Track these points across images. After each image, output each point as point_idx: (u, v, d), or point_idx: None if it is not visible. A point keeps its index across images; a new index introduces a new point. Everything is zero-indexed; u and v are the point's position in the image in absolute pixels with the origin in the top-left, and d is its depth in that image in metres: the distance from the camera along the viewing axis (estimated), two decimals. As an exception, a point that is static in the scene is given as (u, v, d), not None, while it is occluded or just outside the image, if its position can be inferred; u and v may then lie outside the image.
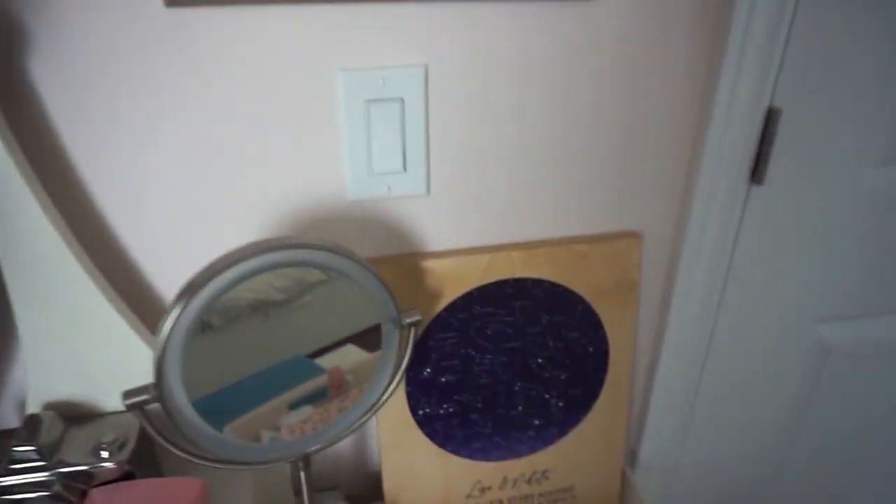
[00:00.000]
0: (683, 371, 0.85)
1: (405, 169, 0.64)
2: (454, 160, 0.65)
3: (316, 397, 0.62)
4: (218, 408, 0.56)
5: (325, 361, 0.59)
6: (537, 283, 0.71)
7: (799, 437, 0.98)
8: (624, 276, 0.73)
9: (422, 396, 0.73)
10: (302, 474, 0.66)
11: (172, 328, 0.51)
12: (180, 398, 0.54)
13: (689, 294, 0.78)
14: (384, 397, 0.66)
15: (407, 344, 0.65)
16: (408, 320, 0.63)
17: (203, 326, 0.52)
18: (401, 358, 0.65)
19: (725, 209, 0.73)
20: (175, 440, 0.56)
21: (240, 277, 0.52)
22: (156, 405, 0.52)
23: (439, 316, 0.70)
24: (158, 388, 0.53)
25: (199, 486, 0.61)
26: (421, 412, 0.74)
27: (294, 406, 0.62)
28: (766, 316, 0.84)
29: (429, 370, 0.72)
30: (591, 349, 0.76)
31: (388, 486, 0.77)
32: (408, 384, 0.72)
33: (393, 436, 0.75)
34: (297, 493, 0.70)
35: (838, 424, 0.97)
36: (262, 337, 0.55)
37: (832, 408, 0.95)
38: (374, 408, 0.65)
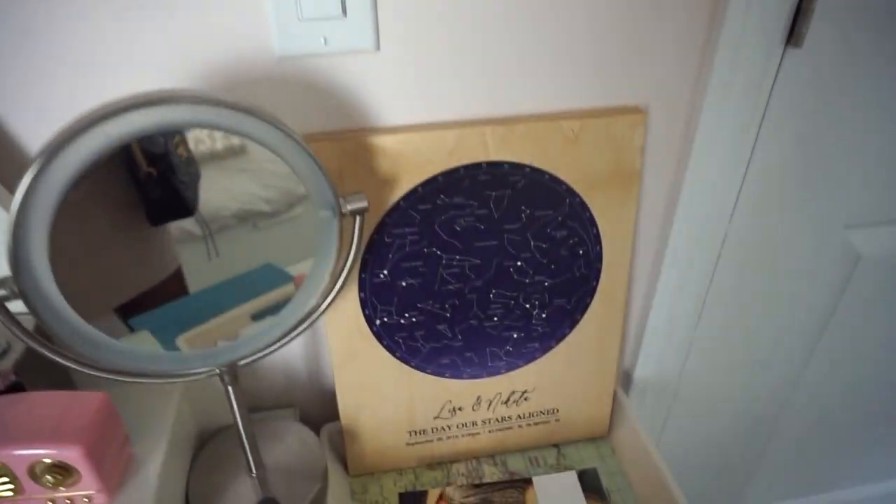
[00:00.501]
0: (690, 279, 0.73)
1: (345, 13, 0.50)
2: (412, 6, 0.51)
3: (281, 308, 0.52)
4: (170, 319, 0.46)
5: (295, 268, 0.51)
6: (516, 168, 0.58)
7: (815, 359, 0.87)
8: (623, 162, 0.60)
9: (379, 303, 0.62)
10: (230, 389, 0.56)
11: (23, 202, 0.39)
12: (49, 293, 0.42)
13: (703, 186, 0.65)
14: (325, 303, 0.54)
15: (353, 238, 0.53)
16: (350, 207, 0.51)
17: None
18: (344, 255, 0.53)
19: (753, 78, 0.58)
20: (62, 346, 0.45)
21: (113, 140, 0.40)
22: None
23: (396, 207, 0.58)
24: (17, 280, 0.41)
25: (100, 399, 0.51)
26: (378, 322, 0.63)
27: (258, 317, 0.51)
28: (791, 216, 0.72)
29: (385, 273, 0.61)
30: (580, 252, 0.64)
31: (344, 404, 0.68)
32: (361, 289, 0.61)
33: (346, 348, 0.64)
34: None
35: (859, 341, 0.86)
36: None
37: (855, 321, 0.83)
38: (312, 315, 0.54)
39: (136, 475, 0.54)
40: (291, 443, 0.66)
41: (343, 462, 0.72)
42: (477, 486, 0.70)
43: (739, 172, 0.65)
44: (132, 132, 0.41)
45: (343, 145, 0.55)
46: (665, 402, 0.85)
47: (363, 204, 0.51)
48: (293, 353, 0.71)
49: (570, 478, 0.70)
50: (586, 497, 0.68)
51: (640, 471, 0.71)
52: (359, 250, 0.54)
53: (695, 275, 0.72)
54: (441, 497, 0.69)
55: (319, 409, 0.75)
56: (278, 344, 0.55)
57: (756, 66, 0.58)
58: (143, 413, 0.59)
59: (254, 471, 0.63)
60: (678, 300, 0.74)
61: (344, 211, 0.51)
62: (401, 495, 0.69)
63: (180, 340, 0.51)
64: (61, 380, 0.58)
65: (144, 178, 0.43)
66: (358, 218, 0.53)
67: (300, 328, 0.55)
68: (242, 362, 0.55)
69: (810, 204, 0.70)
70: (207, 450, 0.66)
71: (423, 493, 0.69)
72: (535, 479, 0.70)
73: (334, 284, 0.55)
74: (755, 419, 0.93)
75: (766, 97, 0.61)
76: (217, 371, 0.54)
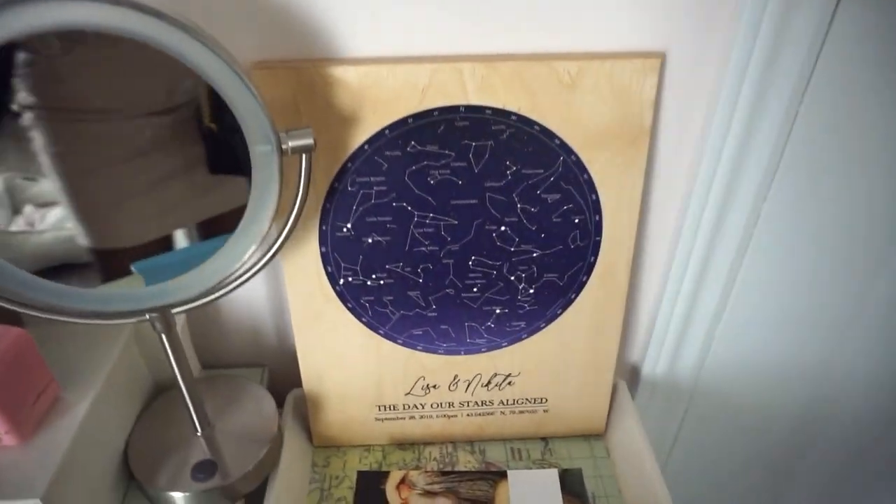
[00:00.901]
0: (713, 265, 0.63)
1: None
2: None
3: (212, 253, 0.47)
4: None
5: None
6: (500, 115, 0.50)
7: (861, 364, 0.75)
8: (630, 117, 0.51)
9: (342, 261, 0.56)
10: (164, 339, 0.51)
11: None
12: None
13: (730, 155, 0.55)
14: (266, 255, 0.48)
15: (300, 180, 0.47)
16: (293, 143, 0.44)
17: None
18: (291, 201, 0.47)
19: (801, 22, 0.48)
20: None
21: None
22: None
23: (361, 151, 0.51)
24: None
25: (15, 335, 0.47)
26: (342, 281, 0.57)
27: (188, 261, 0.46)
28: (840, 195, 0.60)
29: (349, 226, 0.54)
30: (576, 220, 0.55)
31: (307, 369, 0.62)
32: (322, 243, 0.55)
33: (308, 308, 0.58)
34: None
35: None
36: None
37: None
38: (248, 266, 0.48)
39: (59, 420, 0.50)
40: (247, 404, 0.62)
41: (309, 432, 0.67)
42: (445, 473, 0.63)
43: (778, 139, 0.54)
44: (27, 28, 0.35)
45: (299, 75, 0.48)
46: (678, 408, 0.76)
47: (308, 141, 0.45)
48: (260, 309, 0.66)
49: (550, 476, 0.62)
50: (565, 499, 0.60)
51: (635, 477, 0.62)
52: (305, 195, 0.47)
53: (719, 259, 0.62)
54: (403, 481, 0.62)
55: (289, 373, 0.69)
56: (215, 294, 0.50)
57: (806, 5, 0.47)
58: (84, 359, 0.55)
59: (198, 430, 0.58)
60: (697, 288, 0.65)
61: (285, 147, 0.44)
62: (359, 473, 0.63)
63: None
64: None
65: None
66: (304, 158, 0.46)
67: (240, 279, 0.49)
68: (175, 311, 0.50)
69: (860, 181, 0.59)
70: (158, 404, 0.61)
71: (384, 474, 0.63)
72: (509, 474, 0.63)
73: (280, 234, 0.49)
74: (785, 438, 0.81)
75: (818, 46, 0.50)
76: (146, 317, 0.49)
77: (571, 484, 0.62)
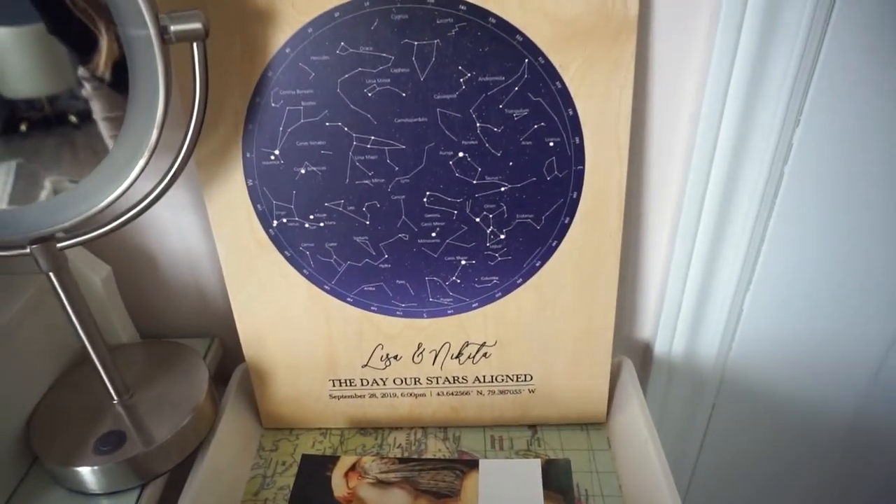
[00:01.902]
0: (736, 212, 0.51)
1: None
2: None
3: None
4: None
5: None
6: (447, 4, 0.41)
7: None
8: (609, 1, 0.41)
9: (273, 197, 0.47)
10: (54, 281, 0.43)
11: None
12: None
13: (748, 59, 0.43)
14: (166, 177, 0.40)
15: (194, 77, 0.39)
16: (177, 27, 0.36)
17: None
18: (184, 94, 0.38)
19: None
20: None
21: None
22: None
23: (282, 55, 0.43)
24: None
25: None
26: (276, 223, 0.48)
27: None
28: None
29: (277, 153, 0.46)
30: (550, 143, 0.45)
31: (246, 336, 0.53)
32: (248, 175, 0.46)
33: (239, 257, 0.50)
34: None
35: None
36: None
37: None
38: (146, 191, 0.40)
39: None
40: (177, 372, 0.53)
41: (258, 412, 0.58)
42: (404, 460, 0.53)
43: (812, 32, 0.43)
44: None
45: (201, -42, 0.40)
46: (704, 398, 0.63)
47: (195, 25, 0.36)
48: (203, 270, 0.58)
49: (531, 468, 0.51)
50: (547, 496, 0.49)
51: (639, 473, 0.50)
52: (204, 97, 0.39)
53: (742, 201, 0.51)
54: (353, 467, 0.52)
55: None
56: (106, 227, 0.42)
57: None
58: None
59: (114, 397, 0.50)
60: (716, 241, 0.53)
61: (166, 32, 0.36)
62: (304, 457, 0.53)
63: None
64: None
65: None
66: (196, 48, 0.38)
67: (138, 207, 0.41)
68: (61, 244, 0.42)
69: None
70: (78, 372, 0.54)
71: (333, 459, 0.53)
72: (481, 463, 0.52)
73: (180, 149, 0.40)
74: (842, 439, 0.67)
75: None
76: (27, 249, 0.42)
77: (556, 477, 0.50)
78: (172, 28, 0.36)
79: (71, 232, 0.42)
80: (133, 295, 0.58)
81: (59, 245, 0.42)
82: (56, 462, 0.46)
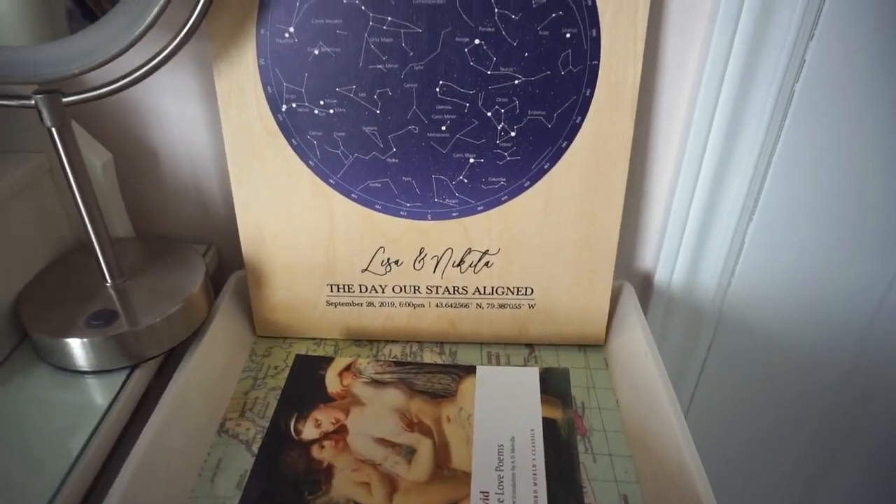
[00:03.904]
0: (744, 128, 0.51)
1: None
2: None
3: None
4: None
5: None
6: None
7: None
8: None
9: (284, 79, 0.47)
10: (55, 137, 0.42)
11: None
12: None
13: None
14: (180, 33, 0.39)
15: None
16: None
17: None
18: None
19: None
20: None
21: None
22: None
23: (304, -76, 0.42)
24: None
25: None
26: (285, 107, 0.48)
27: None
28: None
29: (291, 30, 0.45)
30: (567, 35, 0.45)
31: (245, 230, 0.52)
32: (260, 53, 0.46)
33: (244, 145, 0.49)
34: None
35: None
36: None
37: None
38: (156, 49, 0.39)
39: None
40: (173, 262, 0.52)
41: (252, 321, 0.57)
42: (399, 363, 0.52)
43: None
44: None
45: None
46: (703, 332, 0.63)
47: None
48: (205, 172, 0.57)
49: (529, 374, 0.50)
50: (545, 400, 0.48)
51: (636, 390, 0.50)
52: (223, -53, 0.39)
53: (751, 122, 0.51)
54: (348, 368, 0.51)
55: (239, 255, 0.60)
56: (114, 83, 0.41)
57: None
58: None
59: (107, 278, 0.49)
60: (721, 169, 0.53)
61: None
62: (298, 356, 0.52)
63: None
64: None
65: None
66: None
67: (149, 65, 0.41)
68: (68, 99, 0.41)
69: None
70: (72, 256, 0.53)
71: (327, 360, 0.52)
72: (479, 369, 0.51)
73: (187, 26, 0.40)
74: (840, 385, 0.67)
75: None
76: (31, 100, 0.41)
77: (555, 383, 0.50)
78: None
79: (77, 88, 0.41)
80: (131, 191, 0.57)
81: (64, 99, 0.41)
82: (46, 333, 0.45)
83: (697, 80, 0.50)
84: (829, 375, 0.65)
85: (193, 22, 0.41)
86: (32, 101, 0.41)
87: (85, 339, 0.44)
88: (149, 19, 0.39)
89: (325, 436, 0.45)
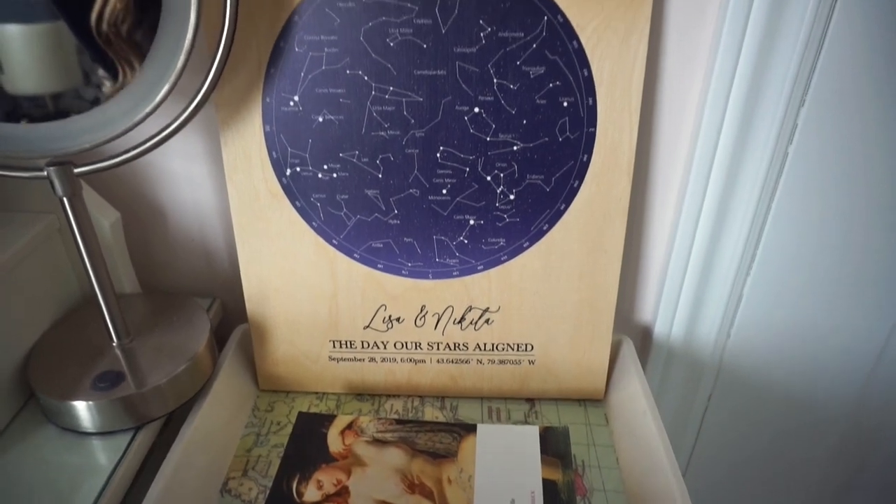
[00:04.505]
0: (739, 187, 0.52)
1: None
2: None
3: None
4: None
5: None
6: (472, -42, 0.42)
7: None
8: (629, -35, 0.42)
9: (289, 145, 0.48)
10: (67, 207, 0.43)
11: None
12: None
13: (760, 26, 0.45)
14: (191, 104, 0.41)
15: (225, 10, 0.40)
16: (215, -46, 0.37)
17: None
18: (210, 37, 0.39)
19: None
20: None
21: None
22: None
23: (309, 2, 0.44)
24: None
25: None
26: (290, 171, 0.49)
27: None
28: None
29: (296, 99, 0.46)
30: (564, 103, 0.46)
31: (250, 288, 0.53)
32: (266, 120, 0.47)
33: (249, 204, 0.50)
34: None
35: None
36: None
37: None
38: (170, 121, 0.40)
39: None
40: (178, 320, 0.53)
41: (255, 374, 0.57)
42: (401, 422, 0.52)
43: (822, 5, 0.44)
44: None
45: None
46: (702, 384, 0.63)
47: (233, -47, 0.38)
48: (213, 226, 0.58)
49: (529, 434, 0.51)
50: (545, 460, 0.48)
51: (637, 447, 0.50)
52: (232, 24, 0.40)
53: (746, 181, 0.52)
54: (350, 426, 0.52)
55: (243, 308, 0.61)
56: (126, 154, 0.42)
57: None
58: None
59: (114, 339, 0.50)
60: (718, 225, 0.54)
61: (204, -44, 0.37)
62: (300, 414, 0.53)
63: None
64: None
65: None
66: (229, -22, 0.39)
67: (160, 135, 0.42)
68: (79, 170, 0.43)
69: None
70: (78, 313, 0.54)
71: (329, 418, 0.52)
72: (479, 427, 0.52)
73: (206, 77, 0.41)
74: (846, 433, 0.67)
75: None
76: (44, 171, 0.42)
77: (555, 443, 0.50)
78: (208, -46, 0.37)
79: (88, 159, 0.42)
80: (138, 247, 0.58)
81: (76, 170, 0.42)
82: (53, 395, 0.46)
83: (693, 142, 0.51)
84: (831, 426, 0.65)
85: (203, 94, 0.42)
86: (45, 173, 0.42)
87: (91, 402, 0.45)
88: (162, 93, 0.40)
89: (328, 498, 0.45)
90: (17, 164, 0.42)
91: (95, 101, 0.40)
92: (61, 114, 0.40)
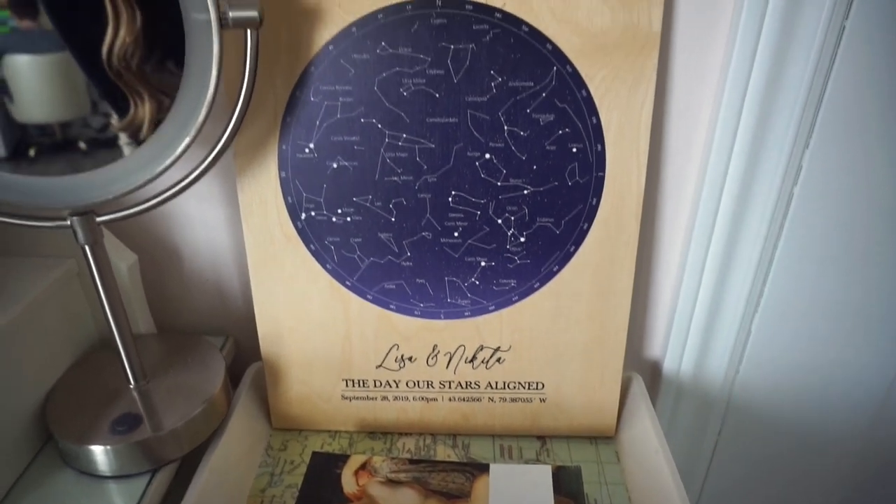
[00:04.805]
0: (745, 228, 0.53)
1: None
2: None
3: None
4: None
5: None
6: (484, 12, 0.44)
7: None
8: (636, 17, 0.44)
9: (304, 190, 0.49)
10: (88, 255, 0.44)
11: None
12: None
13: (763, 75, 0.46)
14: (210, 154, 0.42)
15: (245, 60, 0.41)
16: (236, 14, 0.39)
17: None
18: (228, 86, 0.40)
19: None
20: None
21: None
22: None
23: (325, 53, 0.45)
24: None
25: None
26: (304, 216, 0.50)
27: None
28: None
29: (312, 146, 0.48)
30: (573, 149, 0.47)
31: (265, 329, 0.54)
32: (281, 166, 0.48)
33: (264, 247, 0.51)
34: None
35: None
36: None
37: None
38: (190, 170, 0.41)
39: (-39, 341, 0.43)
40: (193, 362, 0.54)
41: (268, 413, 0.58)
42: (414, 461, 0.53)
43: (824, 48, 0.46)
44: None
45: (258, -41, 0.43)
46: (712, 420, 0.63)
47: (252, 13, 0.39)
48: (226, 266, 0.59)
49: (541, 474, 0.51)
50: (557, 501, 0.49)
51: (649, 485, 0.50)
52: (252, 80, 0.41)
53: (753, 222, 0.53)
54: (364, 466, 0.52)
55: (256, 346, 0.62)
56: (147, 203, 0.43)
57: None
58: (11, 290, 0.49)
59: (131, 381, 0.50)
60: (725, 262, 0.54)
61: (224, 16, 0.39)
62: (314, 454, 0.53)
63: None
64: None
65: None
66: (249, 35, 0.40)
67: (180, 185, 0.43)
68: (101, 219, 0.44)
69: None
70: (94, 356, 0.54)
71: (343, 458, 0.53)
72: (492, 467, 0.52)
73: (226, 128, 0.43)
74: (854, 467, 0.67)
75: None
76: (67, 220, 0.43)
77: (567, 483, 0.50)
78: (231, 14, 0.39)
79: (110, 208, 0.43)
80: (152, 287, 0.59)
81: (98, 219, 0.43)
82: (71, 439, 0.46)
83: (700, 182, 0.52)
84: (842, 460, 0.65)
85: (223, 144, 0.43)
86: (68, 223, 0.43)
87: (108, 447, 0.46)
88: (184, 145, 0.41)
89: (342, 541, 0.46)
90: (40, 213, 0.43)
91: (103, 130, 0.41)
92: (70, 143, 0.41)
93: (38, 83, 0.40)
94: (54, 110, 0.41)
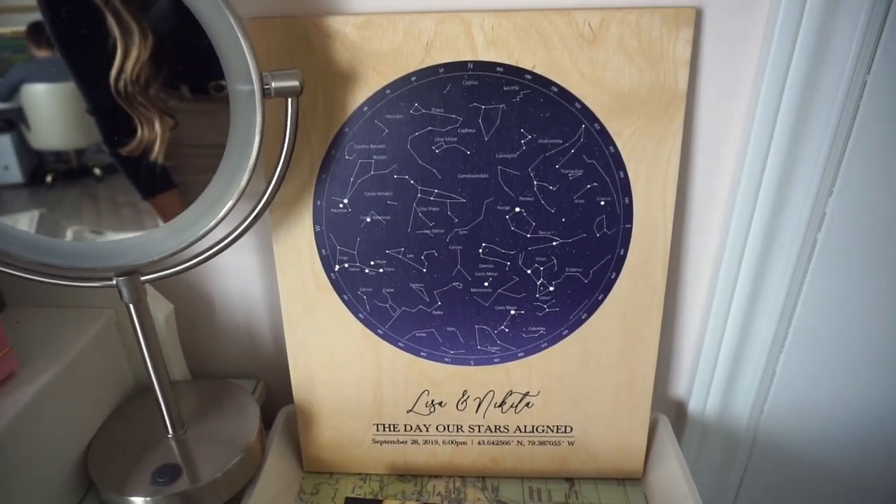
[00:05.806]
0: (770, 273, 0.54)
1: None
2: None
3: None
4: None
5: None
6: (513, 73, 0.45)
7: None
8: (662, 77, 0.45)
9: (338, 243, 0.50)
10: (132, 312, 0.46)
11: None
12: None
13: (786, 127, 0.47)
14: (250, 216, 0.43)
15: (286, 128, 0.43)
16: (278, 84, 0.40)
17: None
18: (269, 149, 0.42)
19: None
20: None
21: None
22: None
23: (360, 113, 0.47)
24: None
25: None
26: (338, 267, 0.51)
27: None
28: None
29: (346, 202, 0.49)
30: (601, 203, 0.48)
31: (297, 376, 0.55)
32: (316, 221, 0.50)
33: (299, 298, 0.52)
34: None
35: None
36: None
37: None
38: (230, 230, 0.43)
39: (6, 395, 0.45)
40: (229, 410, 0.55)
41: (300, 456, 0.59)
42: (447, 506, 0.54)
43: (846, 104, 0.47)
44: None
45: (293, 26, 0.45)
46: (737, 461, 0.64)
47: (293, 83, 0.41)
48: (256, 313, 0.60)
49: (573, 518, 0.52)
50: (589, 547, 0.49)
51: (678, 530, 0.51)
52: (292, 145, 0.43)
53: (777, 266, 0.53)
54: (397, 512, 0.53)
55: (286, 390, 0.63)
56: (190, 261, 0.45)
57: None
58: (56, 343, 0.50)
59: (170, 431, 0.51)
60: (750, 305, 0.55)
61: (268, 86, 0.40)
62: (347, 499, 0.54)
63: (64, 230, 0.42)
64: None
65: None
66: (290, 103, 0.42)
67: (221, 244, 0.45)
68: (145, 278, 0.45)
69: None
70: (133, 403, 0.56)
71: (376, 502, 0.54)
72: (523, 512, 0.53)
73: (266, 190, 0.44)
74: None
75: None
76: (113, 281, 0.44)
77: (598, 529, 0.51)
78: (274, 84, 0.40)
79: (154, 267, 0.45)
80: (186, 333, 0.60)
81: (143, 278, 0.45)
82: (113, 489, 0.47)
83: (725, 230, 0.53)
84: (868, 500, 0.65)
85: (263, 204, 0.44)
86: (114, 282, 0.44)
87: (149, 498, 0.47)
88: (227, 207, 0.42)
89: (379, 590, 0.47)
90: (87, 275, 0.44)
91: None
92: (85, 169, 0.40)
93: (54, 111, 0.41)
94: (70, 137, 0.42)
